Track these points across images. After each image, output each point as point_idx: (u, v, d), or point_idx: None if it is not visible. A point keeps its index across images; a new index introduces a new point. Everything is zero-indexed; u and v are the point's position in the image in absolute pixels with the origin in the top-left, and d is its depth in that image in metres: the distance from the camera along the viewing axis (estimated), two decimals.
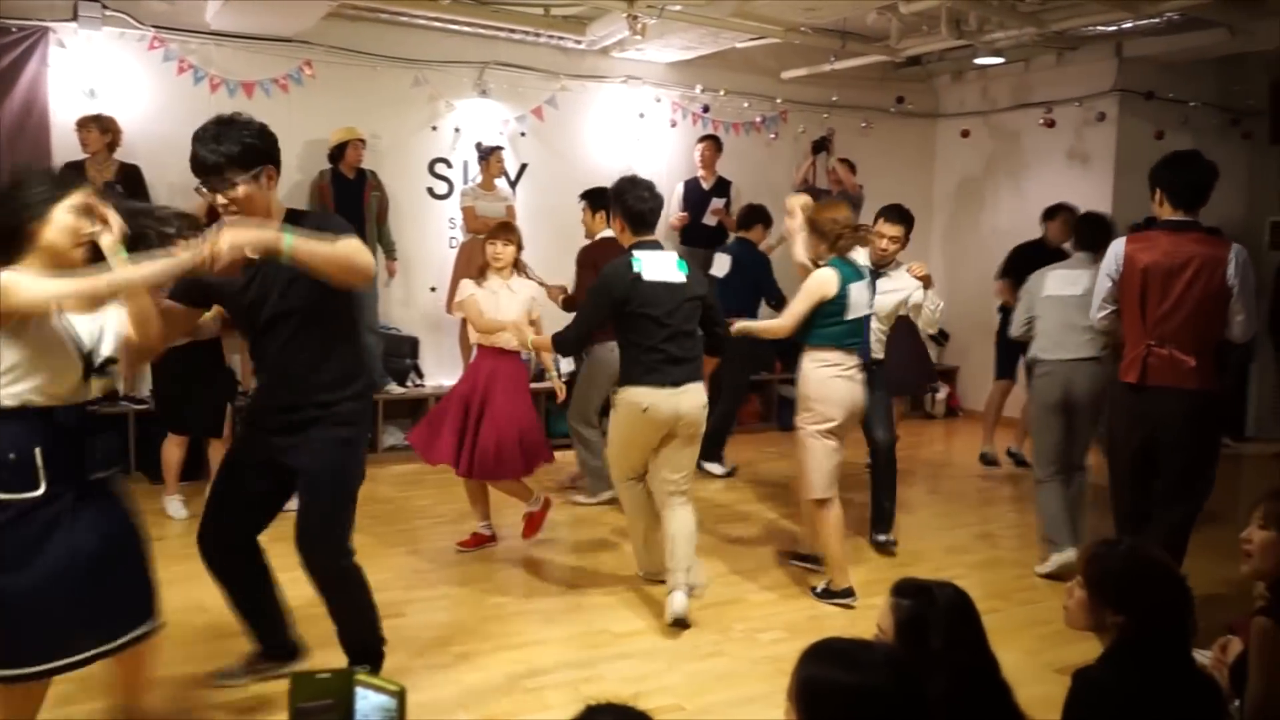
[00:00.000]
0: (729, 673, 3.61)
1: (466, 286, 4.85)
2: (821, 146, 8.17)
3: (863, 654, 1.66)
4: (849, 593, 4.25)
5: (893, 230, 4.93)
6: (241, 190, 2.78)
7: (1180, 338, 3.79)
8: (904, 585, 2.10)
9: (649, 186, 4.18)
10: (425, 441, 4.76)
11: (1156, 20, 6.62)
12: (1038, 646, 3.76)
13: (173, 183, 5.70)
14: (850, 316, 4.22)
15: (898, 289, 4.89)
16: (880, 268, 4.89)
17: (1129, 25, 6.80)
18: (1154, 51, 7.37)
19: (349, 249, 2.75)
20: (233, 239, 2.51)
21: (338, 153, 6.52)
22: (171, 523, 5.15)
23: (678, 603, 3.93)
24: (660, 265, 4.05)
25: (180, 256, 2.47)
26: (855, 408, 4.30)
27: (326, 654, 3.33)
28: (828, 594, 4.28)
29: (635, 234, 4.16)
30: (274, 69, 6.68)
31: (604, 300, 4.04)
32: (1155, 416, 3.84)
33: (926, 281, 4.89)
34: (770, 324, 4.60)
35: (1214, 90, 8.09)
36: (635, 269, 3.99)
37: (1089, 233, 4.91)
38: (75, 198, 2.46)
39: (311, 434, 3.01)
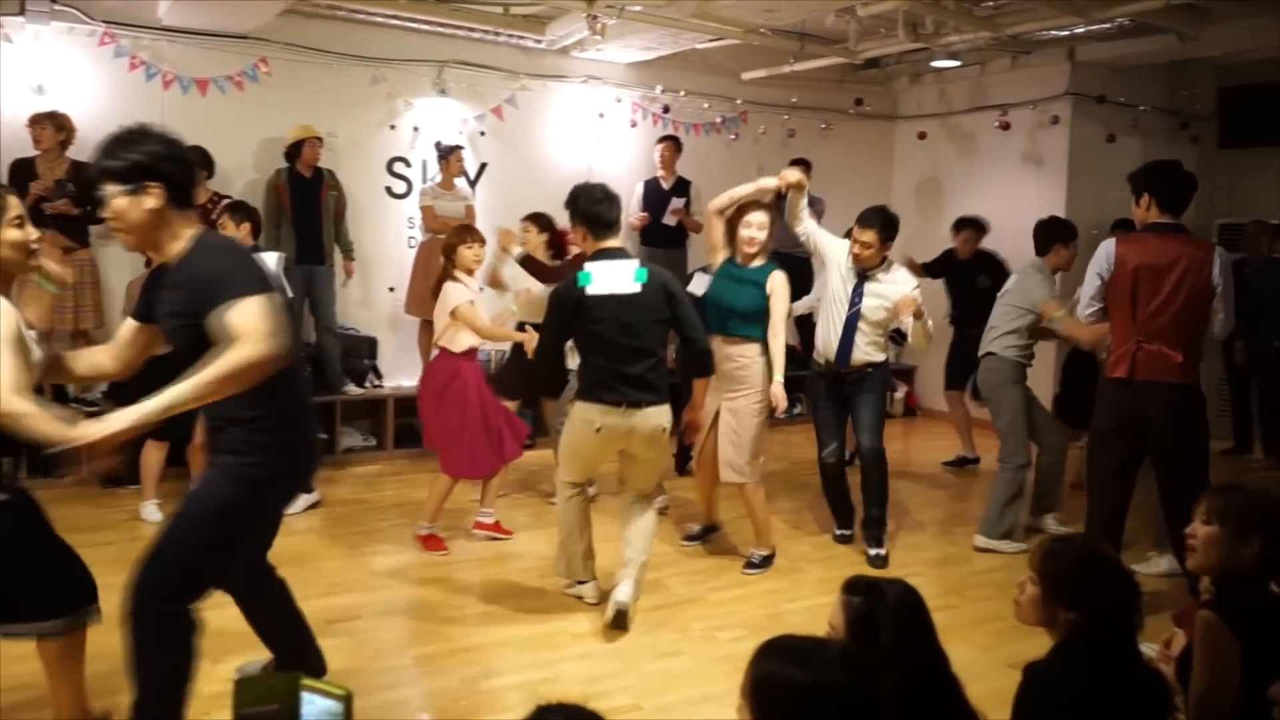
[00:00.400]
0: (687, 672, 3.62)
1: (462, 292, 4.72)
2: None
3: (816, 651, 1.66)
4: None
5: (863, 235, 4.75)
6: (114, 205, 2.57)
7: (1168, 334, 3.95)
8: (854, 582, 2.12)
9: (603, 188, 4.02)
10: (469, 460, 4.79)
11: (1108, 25, 6.74)
12: (990, 642, 3.82)
13: None
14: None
15: (883, 297, 4.77)
16: (867, 271, 4.80)
17: (1081, 30, 6.91)
18: (1105, 56, 7.50)
19: (221, 369, 2.36)
20: (98, 437, 2.31)
21: (294, 151, 6.44)
22: (146, 526, 5.04)
23: (623, 592, 3.92)
24: (613, 276, 3.87)
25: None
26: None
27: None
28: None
29: (597, 239, 3.98)
30: (228, 66, 6.59)
31: (556, 320, 3.95)
32: (1144, 410, 3.98)
33: (917, 313, 4.69)
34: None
35: (1163, 95, 8.25)
36: (581, 284, 3.86)
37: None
38: (14, 209, 2.45)
39: (212, 455, 2.77)
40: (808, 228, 4.94)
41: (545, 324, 4.05)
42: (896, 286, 4.79)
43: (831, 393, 4.97)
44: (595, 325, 3.84)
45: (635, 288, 3.88)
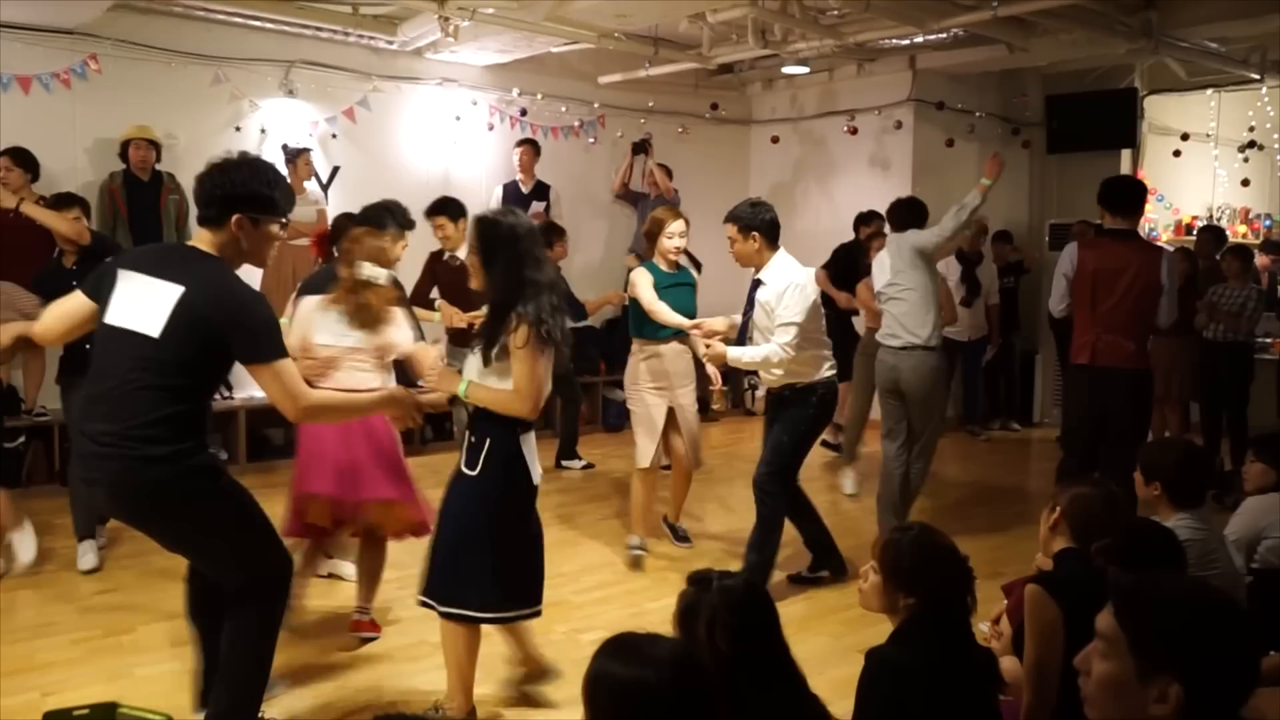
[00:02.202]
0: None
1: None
2: (641, 148, 8.31)
3: (646, 648, 1.67)
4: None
5: (727, 232, 4.42)
6: None
7: (1122, 326, 4.56)
8: (691, 576, 2.17)
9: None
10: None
11: (944, 36, 7.09)
12: (842, 630, 3.94)
13: None
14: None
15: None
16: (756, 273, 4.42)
17: (920, 40, 7.23)
18: (943, 65, 7.88)
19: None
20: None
21: (125, 152, 6.13)
22: None
23: None
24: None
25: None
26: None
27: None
28: None
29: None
30: (53, 62, 6.21)
31: None
32: (1103, 390, 4.57)
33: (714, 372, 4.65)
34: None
35: (997, 102, 8.73)
36: None
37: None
38: None
39: None
40: None
41: None
42: (771, 287, 4.25)
43: (768, 415, 4.55)
44: None
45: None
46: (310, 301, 3.70)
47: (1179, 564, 2.56)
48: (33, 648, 3.74)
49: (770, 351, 4.15)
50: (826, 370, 4.35)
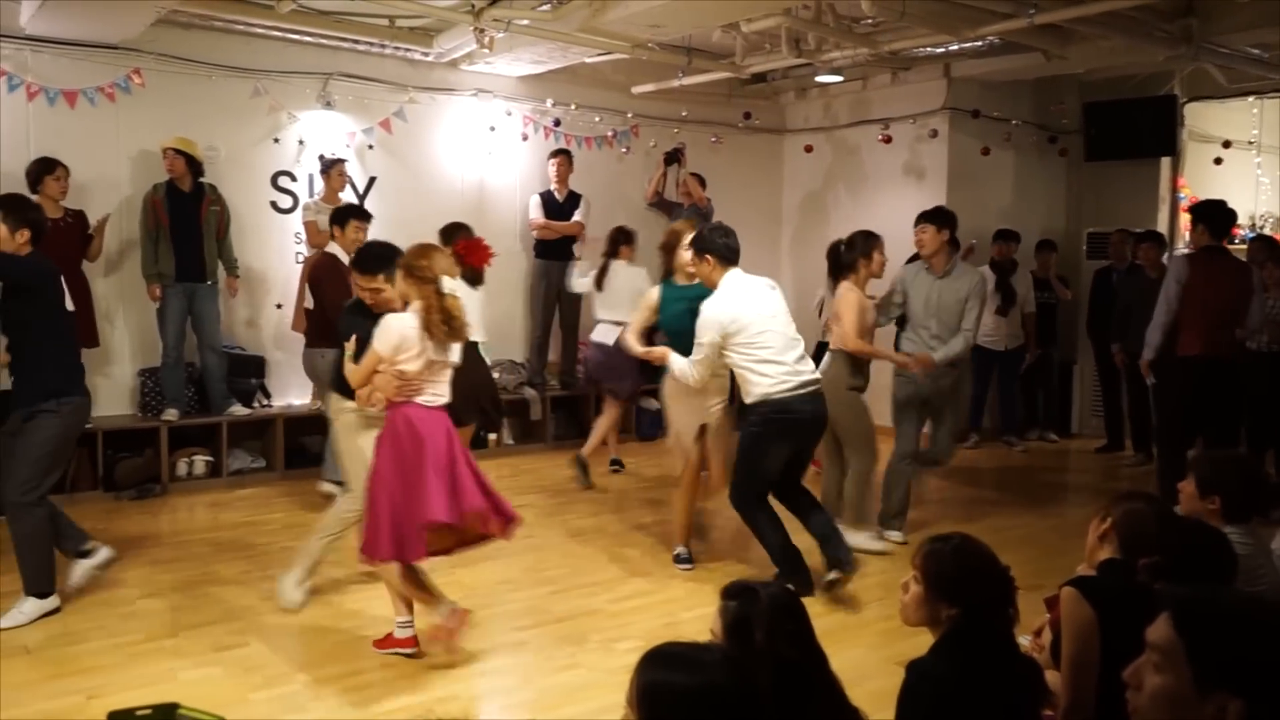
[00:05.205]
0: (584, 685, 3.61)
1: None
2: (674, 158, 8.33)
3: (700, 656, 1.68)
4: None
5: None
6: None
7: (1225, 325, 5.65)
8: (730, 588, 2.16)
9: None
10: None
11: (979, 44, 7.03)
12: (879, 642, 3.91)
13: None
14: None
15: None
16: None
17: (955, 48, 7.19)
18: (978, 73, 7.82)
19: None
20: None
21: None
22: None
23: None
24: None
25: None
26: None
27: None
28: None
29: None
30: (99, 77, 6.33)
31: None
32: (1210, 376, 5.56)
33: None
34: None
35: (1034, 110, 8.65)
36: None
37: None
38: None
39: None
40: None
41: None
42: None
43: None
44: None
45: None
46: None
47: (1232, 573, 2.53)
48: (78, 651, 3.80)
49: (682, 365, 4.53)
50: (774, 388, 4.36)
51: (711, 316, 4.39)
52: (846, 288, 5.17)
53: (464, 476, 3.57)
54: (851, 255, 5.22)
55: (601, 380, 6.93)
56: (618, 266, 6.75)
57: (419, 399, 3.60)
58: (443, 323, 3.56)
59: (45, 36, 6.06)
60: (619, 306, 6.47)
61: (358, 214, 5.76)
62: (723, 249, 4.47)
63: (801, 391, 4.41)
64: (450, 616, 3.65)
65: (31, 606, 4.06)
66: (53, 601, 4.13)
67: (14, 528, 4.07)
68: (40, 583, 4.08)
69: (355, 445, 4.06)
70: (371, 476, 3.63)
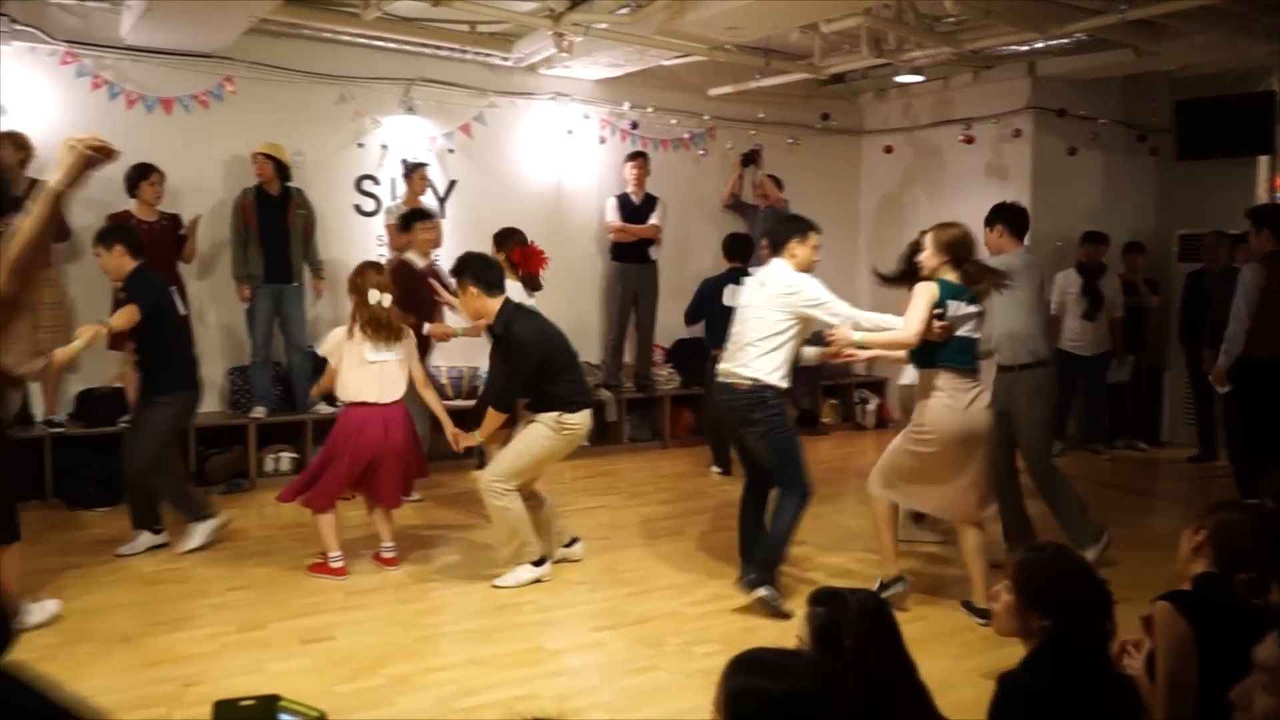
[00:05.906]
0: (663, 687, 3.62)
1: None
2: (751, 159, 8.30)
3: (788, 662, 1.68)
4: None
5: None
6: None
7: None
8: (818, 594, 2.14)
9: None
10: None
11: (1066, 41, 6.86)
12: (963, 653, 3.84)
13: (90, 198, 5.56)
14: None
15: None
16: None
17: (1040, 45, 7.02)
18: (1064, 70, 7.63)
19: None
20: None
21: None
22: None
23: (580, 548, 5.06)
24: None
25: None
26: None
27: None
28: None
29: None
30: (194, 85, 6.55)
31: None
32: None
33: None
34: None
35: (1122, 108, 8.41)
36: None
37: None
38: None
39: None
40: None
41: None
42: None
43: None
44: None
45: None
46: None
47: None
48: (173, 640, 3.93)
49: (850, 313, 4.37)
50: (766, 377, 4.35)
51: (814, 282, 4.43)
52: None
53: (385, 472, 4.75)
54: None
55: None
56: None
57: (359, 399, 4.73)
58: (368, 328, 4.73)
59: (143, 47, 6.29)
60: None
61: (418, 216, 6.09)
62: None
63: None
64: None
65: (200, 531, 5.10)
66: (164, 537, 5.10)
67: (141, 486, 5.05)
68: (191, 510, 5.12)
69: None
70: (324, 445, 4.80)
